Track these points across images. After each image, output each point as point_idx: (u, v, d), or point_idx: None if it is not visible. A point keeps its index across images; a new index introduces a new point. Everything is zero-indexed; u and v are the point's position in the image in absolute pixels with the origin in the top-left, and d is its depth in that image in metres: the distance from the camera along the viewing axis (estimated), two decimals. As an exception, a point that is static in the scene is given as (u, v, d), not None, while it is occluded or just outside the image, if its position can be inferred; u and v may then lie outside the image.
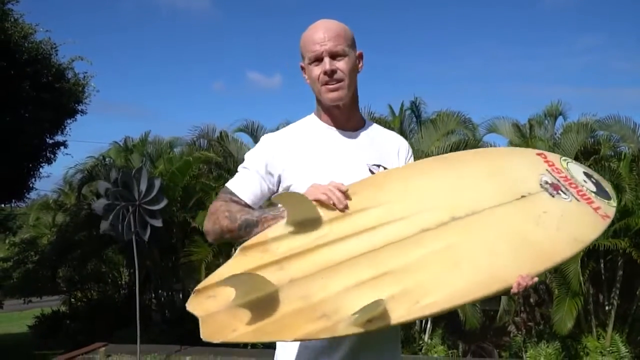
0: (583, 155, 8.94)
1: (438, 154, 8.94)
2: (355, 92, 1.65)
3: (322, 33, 1.56)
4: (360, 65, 1.64)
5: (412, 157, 1.79)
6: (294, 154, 1.58)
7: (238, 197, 1.53)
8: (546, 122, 10.03)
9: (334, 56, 1.56)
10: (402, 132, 9.35)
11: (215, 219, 1.47)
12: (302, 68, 1.64)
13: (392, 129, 8.61)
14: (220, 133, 10.46)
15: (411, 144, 7.77)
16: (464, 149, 8.84)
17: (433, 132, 9.25)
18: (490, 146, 9.88)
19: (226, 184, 1.58)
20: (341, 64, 1.57)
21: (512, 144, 10.20)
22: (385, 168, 1.64)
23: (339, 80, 1.57)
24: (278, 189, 1.59)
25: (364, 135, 1.67)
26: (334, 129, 1.64)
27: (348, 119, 1.64)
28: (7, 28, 8.11)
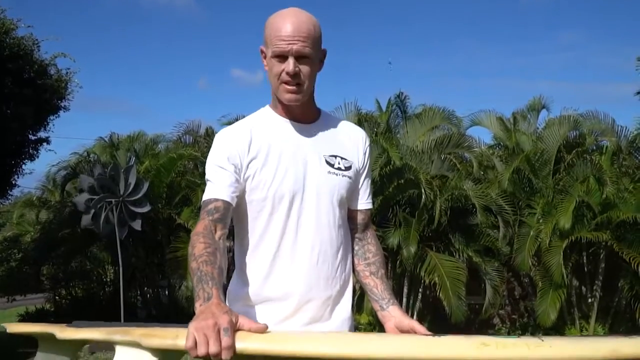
0: (565, 149, 9.05)
1: (423, 149, 9.07)
2: (313, 89, 1.61)
3: (291, 29, 1.47)
4: (321, 65, 1.59)
5: (369, 147, 1.75)
6: (251, 146, 1.56)
7: (217, 204, 1.49)
8: (529, 116, 10.12)
9: (299, 57, 1.49)
10: (389, 128, 9.40)
11: (189, 246, 1.44)
12: (262, 52, 1.57)
13: (380, 125, 8.59)
14: (206, 129, 10.44)
15: (397, 140, 7.76)
16: (448, 144, 8.94)
17: (418, 127, 9.30)
18: (474, 140, 9.96)
19: (203, 197, 1.53)
20: (305, 68, 1.51)
21: (496, 137, 10.30)
22: (343, 158, 1.63)
23: (299, 84, 1.52)
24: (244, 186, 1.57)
25: (319, 126, 1.65)
26: (288, 121, 1.62)
27: (303, 113, 1.62)
28: (-12, 24, 8.02)
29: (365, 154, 1.71)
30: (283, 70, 1.50)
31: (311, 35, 1.49)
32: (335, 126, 1.70)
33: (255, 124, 1.61)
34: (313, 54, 1.51)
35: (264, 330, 1.22)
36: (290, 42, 1.47)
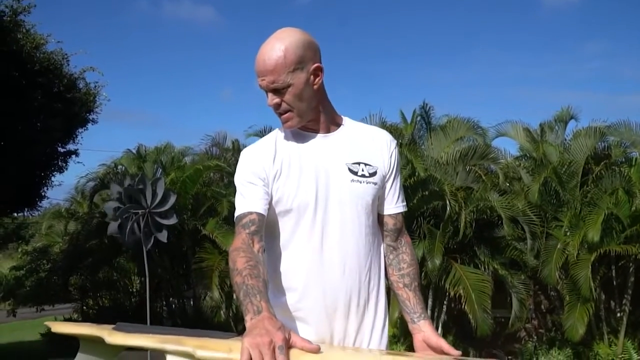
0: (593, 160, 8.93)
1: (448, 160, 9.02)
2: (320, 103, 1.62)
3: (258, 66, 1.54)
4: (317, 80, 1.57)
5: (396, 149, 1.74)
6: (275, 159, 1.59)
7: (252, 217, 1.51)
8: (557, 127, 10.00)
9: (274, 90, 1.54)
10: (413, 139, 9.39)
11: (230, 261, 1.45)
12: None
13: (404, 136, 8.55)
14: (232, 142, 10.54)
15: (421, 151, 7.72)
16: (473, 155, 8.88)
17: (443, 138, 9.26)
18: (499, 152, 9.89)
19: (236, 213, 1.56)
20: (286, 97, 1.54)
21: (522, 148, 10.20)
22: (367, 165, 1.63)
23: (286, 111, 1.56)
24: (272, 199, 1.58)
25: (341, 135, 1.66)
26: (310, 133, 1.64)
27: (321, 125, 1.64)
28: (19, 39, 8.23)
29: (391, 156, 1.70)
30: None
31: (279, 65, 1.51)
32: (358, 132, 1.70)
33: (278, 139, 1.64)
34: (287, 82, 1.52)
35: (317, 350, 1.20)
36: (261, 79, 1.54)
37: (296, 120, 1.58)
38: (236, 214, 1.55)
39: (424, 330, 1.62)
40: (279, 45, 1.51)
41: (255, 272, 1.36)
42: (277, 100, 1.55)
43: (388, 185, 1.70)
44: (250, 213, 1.51)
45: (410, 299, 1.67)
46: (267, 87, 1.54)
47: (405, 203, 1.76)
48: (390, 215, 1.71)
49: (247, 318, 1.24)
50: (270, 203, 1.56)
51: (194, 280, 9.93)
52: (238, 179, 1.60)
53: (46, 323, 1.44)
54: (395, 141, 1.76)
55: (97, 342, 1.37)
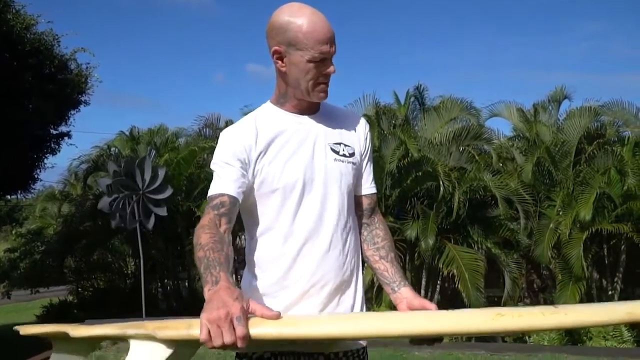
0: (586, 140, 8.96)
1: (441, 141, 9.01)
2: None
3: (326, 31, 1.49)
4: None
5: (369, 132, 1.77)
6: (258, 140, 1.56)
7: (223, 199, 1.49)
8: (550, 107, 10.01)
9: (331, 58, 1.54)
10: (407, 120, 9.38)
11: (195, 238, 1.43)
12: (278, 52, 1.54)
13: (398, 117, 8.50)
14: (226, 122, 10.50)
15: (415, 132, 7.71)
16: (467, 135, 8.89)
17: (437, 119, 9.26)
18: (493, 132, 9.91)
19: (209, 193, 1.52)
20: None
21: (515, 128, 10.22)
22: (346, 145, 1.65)
23: (329, 80, 1.58)
24: (253, 180, 1.57)
25: (321, 116, 1.66)
26: (292, 114, 1.63)
27: (309, 105, 1.63)
28: (9, 19, 8.12)
29: (366, 139, 1.73)
30: (322, 73, 1.53)
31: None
32: (335, 114, 1.71)
33: (258, 119, 1.62)
34: None
35: (277, 317, 1.22)
36: (331, 44, 1.51)
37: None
38: (209, 194, 1.52)
39: (405, 296, 1.60)
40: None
41: (218, 247, 1.35)
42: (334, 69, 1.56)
43: (363, 166, 1.73)
44: (222, 195, 1.49)
45: (387, 270, 1.67)
46: (333, 53, 1.52)
47: (375, 184, 1.80)
48: (365, 195, 1.74)
49: (206, 289, 1.24)
50: (249, 185, 1.55)
51: (189, 261, 9.96)
52: (216, 160, 1.57)
53: (15, 328, 1.45)
54: (368, 124, 1.79)
55: (69, 340, 1.38)
